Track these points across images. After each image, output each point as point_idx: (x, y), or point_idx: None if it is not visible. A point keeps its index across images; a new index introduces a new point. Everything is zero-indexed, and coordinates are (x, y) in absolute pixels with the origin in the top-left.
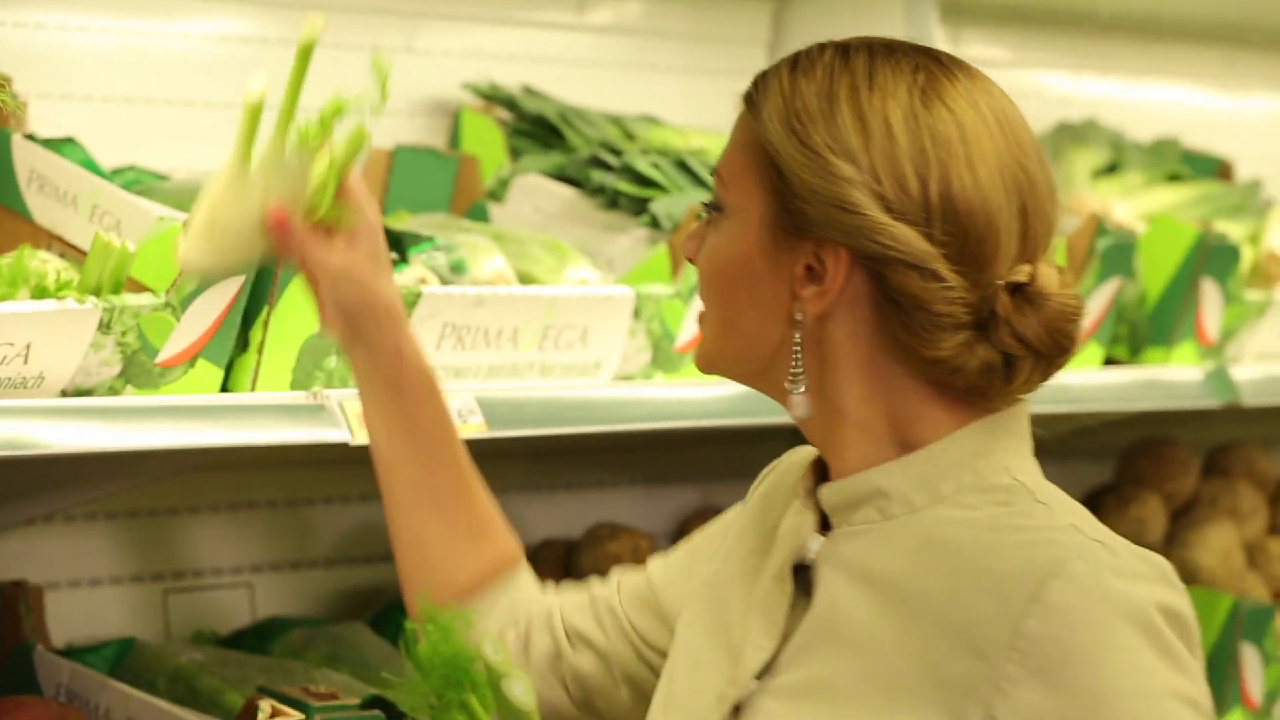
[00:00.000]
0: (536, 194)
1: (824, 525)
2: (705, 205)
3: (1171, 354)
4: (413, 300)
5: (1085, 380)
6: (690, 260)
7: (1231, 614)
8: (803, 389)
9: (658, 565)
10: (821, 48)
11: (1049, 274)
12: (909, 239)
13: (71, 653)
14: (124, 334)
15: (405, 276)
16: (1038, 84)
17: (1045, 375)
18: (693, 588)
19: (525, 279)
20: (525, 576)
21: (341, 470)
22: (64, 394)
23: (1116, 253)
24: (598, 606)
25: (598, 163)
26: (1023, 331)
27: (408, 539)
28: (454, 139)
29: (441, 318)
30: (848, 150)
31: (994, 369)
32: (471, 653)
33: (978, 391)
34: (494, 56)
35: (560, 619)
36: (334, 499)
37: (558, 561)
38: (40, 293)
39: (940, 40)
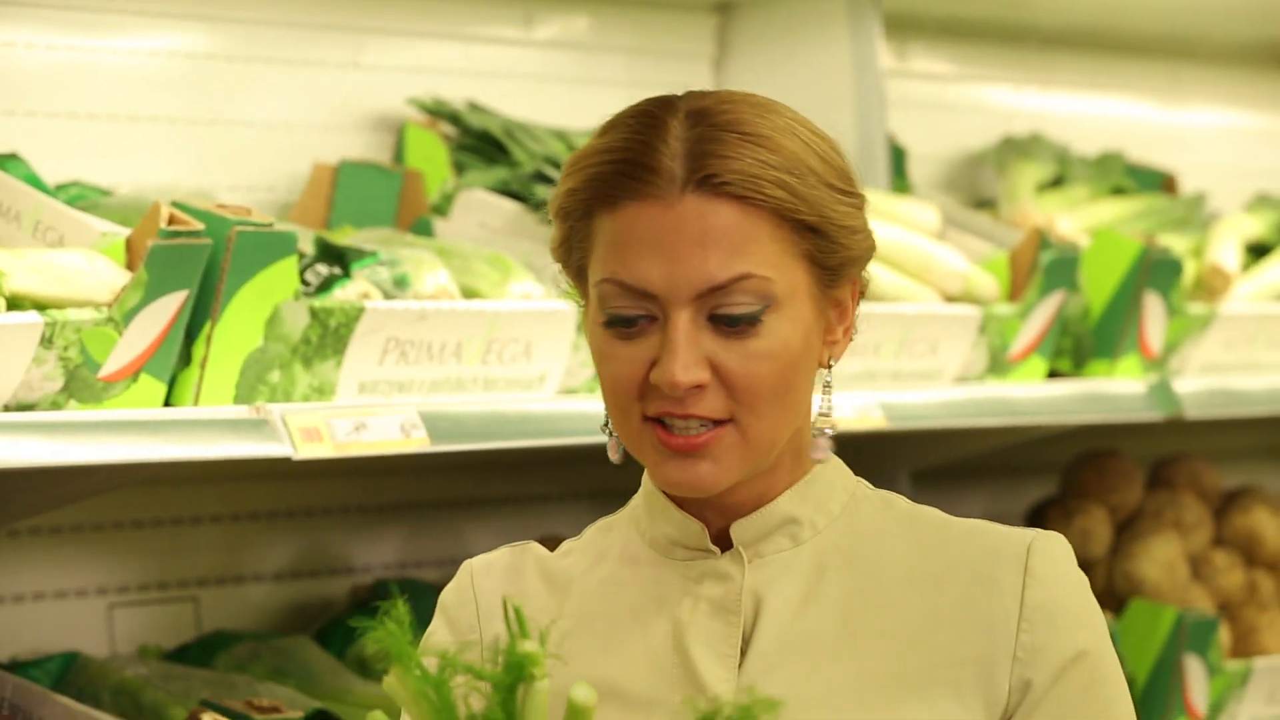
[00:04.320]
0: (481, 209)
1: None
2: (743, 319)
3: (1115, 367)
4: (355, 315)
5: (1029, 393)
6: (699, 386)
7: (1176, 626)
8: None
9: None
10: (760, 117)
11: None
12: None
13: (15, 667)
14: (66, 348)
15: (348, 291)
16: (983, 98)
17: None
18: None
19: (469, 293)
20: None
21: (285, 485)
22: (6, 408)
23: (1060, 266)
24: None
25: (542, 178)
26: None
27: None
28: (399, 154)
29: (385, 332)
30: (851, 175)
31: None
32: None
33: None
34: (440, 71)
35: None
36: (278, 513)
37: None
38: None
39: (885, 54)
